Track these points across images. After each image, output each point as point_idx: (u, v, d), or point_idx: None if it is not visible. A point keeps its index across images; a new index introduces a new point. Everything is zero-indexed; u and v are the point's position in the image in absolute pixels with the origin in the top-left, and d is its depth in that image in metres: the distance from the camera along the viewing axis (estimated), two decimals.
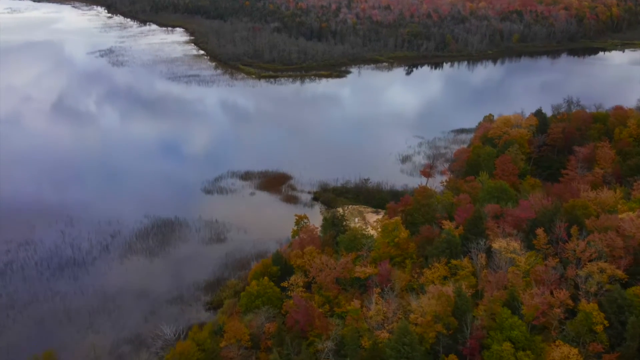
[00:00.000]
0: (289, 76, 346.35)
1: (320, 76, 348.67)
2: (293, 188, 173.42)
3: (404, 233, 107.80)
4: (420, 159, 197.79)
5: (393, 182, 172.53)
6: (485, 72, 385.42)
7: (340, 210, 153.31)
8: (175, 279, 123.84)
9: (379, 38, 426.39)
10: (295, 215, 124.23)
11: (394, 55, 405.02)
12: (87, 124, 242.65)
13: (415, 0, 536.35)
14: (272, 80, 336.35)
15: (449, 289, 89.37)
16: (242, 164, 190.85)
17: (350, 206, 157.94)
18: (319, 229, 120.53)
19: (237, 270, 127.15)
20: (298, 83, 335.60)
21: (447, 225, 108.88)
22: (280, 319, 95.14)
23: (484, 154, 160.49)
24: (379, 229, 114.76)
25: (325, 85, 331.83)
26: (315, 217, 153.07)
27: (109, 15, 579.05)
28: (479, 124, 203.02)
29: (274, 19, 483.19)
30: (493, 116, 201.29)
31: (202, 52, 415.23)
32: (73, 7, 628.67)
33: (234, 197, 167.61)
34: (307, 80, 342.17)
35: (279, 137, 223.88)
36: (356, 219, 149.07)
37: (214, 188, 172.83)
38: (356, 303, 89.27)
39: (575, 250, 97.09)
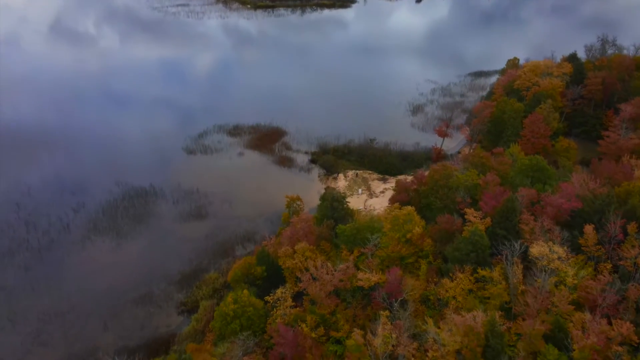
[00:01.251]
0: (288, 6, 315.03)
1: (322, 6, 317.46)
2: (288, 147, 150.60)
3: (418, 228, 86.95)
4: (434, 110, 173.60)
5: (403, 141, 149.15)
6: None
7: (341, 181, 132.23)
8: (145, 270, 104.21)
9: None
10: (286, 196, 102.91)
11: None
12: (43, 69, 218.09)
13: None
14: (269, 10, 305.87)
15: (477, 315, 69.80)
16: (231, 114, 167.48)
17: (353, 172, 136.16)
18: (314, 215, 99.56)
19: (219, 258, 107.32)
20: (298, 14, 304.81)
21: (471, 215, 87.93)
22: (264, 343, 76.39)
23: (510, 111, 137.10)
24: (387, 216, 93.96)
25: (327, 16, 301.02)
26: (313, 185, 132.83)
27: None
28: (502, 70, 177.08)
29: None
30: (519, 60, 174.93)
31: None
32: None
33: (219, 158, 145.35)
34: (308, 10, 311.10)
35: (274, 81, 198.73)
36: (360, 190, 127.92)
37: (197, 147, 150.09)
38: (357, 335, 69.63)
39: (636, 258, 76.83)
